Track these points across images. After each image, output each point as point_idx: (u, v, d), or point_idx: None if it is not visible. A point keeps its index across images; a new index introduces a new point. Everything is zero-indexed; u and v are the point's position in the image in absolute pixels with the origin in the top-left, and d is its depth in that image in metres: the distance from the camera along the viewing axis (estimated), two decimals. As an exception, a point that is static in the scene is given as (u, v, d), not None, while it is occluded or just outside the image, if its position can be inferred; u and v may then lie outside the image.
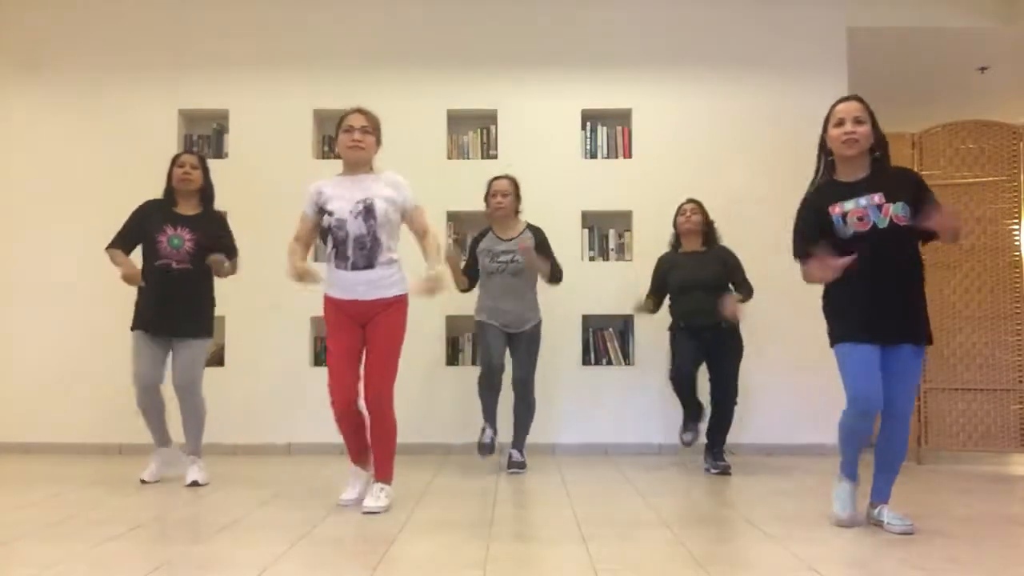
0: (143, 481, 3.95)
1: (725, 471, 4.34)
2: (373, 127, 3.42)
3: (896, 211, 2.87)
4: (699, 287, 4.40)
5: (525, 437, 4.49)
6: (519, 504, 3.58)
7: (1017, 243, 4.88)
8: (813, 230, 3.00)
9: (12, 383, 5.22)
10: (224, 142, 5.51)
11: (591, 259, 5.43)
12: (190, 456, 3.97)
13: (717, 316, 4.27)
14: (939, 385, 4.90)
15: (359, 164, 3.40)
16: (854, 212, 2.92)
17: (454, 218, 5.30)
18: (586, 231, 5.44)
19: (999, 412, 4.83)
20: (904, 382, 2.94)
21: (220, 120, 5.50)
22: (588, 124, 5.52)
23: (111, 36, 5.47)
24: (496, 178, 4.52)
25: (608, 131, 5.53)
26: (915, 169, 4.97)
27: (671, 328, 4.58)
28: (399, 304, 3.38)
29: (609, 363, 5.35)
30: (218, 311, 5.04)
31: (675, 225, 4.62)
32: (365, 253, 3.31)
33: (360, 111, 3.44)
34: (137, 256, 3.98)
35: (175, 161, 4.02)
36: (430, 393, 5.13)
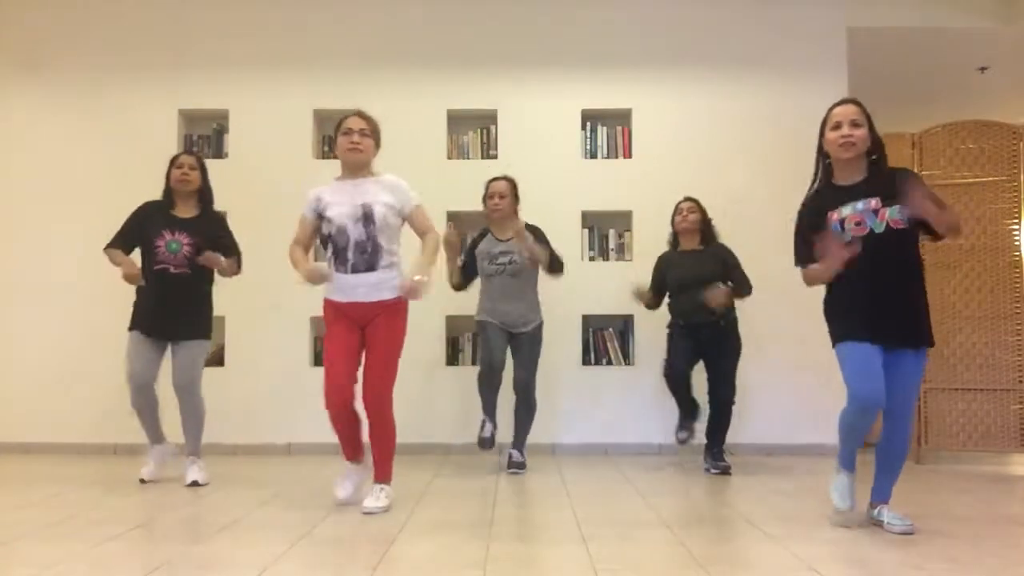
0: (142, 480, 3.95)
1: (725, 471, 4.34)
2: (372, 130, 3.41)
3: (892, 215, 2.87)
4: (697, 285, 4.40)
5: (525, 438, 4.48)
6: (519, 504, 3.58)
7: (1017, 243, 4.88)
8: (813, 236, 3.00)
9: (12, 383, 5.22)
10: (224, 142, 5.51)
11: (591, 259, 5.43)
12: (190, 456, 3.97)
13: (710, 311, 4.29)
14: (939, 385, 4.90)
15: (358, 167, 3.40)
16: (851, 218, 2.92)
17: (454, 218, 5.29)
18: (586, 231, 5.44)
19: (999, 412, 4.83)
20: (905, 384, 2.94)
21: (220, 120, 5.50)
22: (588, 124, 5.52)
23: (111, 36, 5.47)
24: (494, 179, 4.52)
25: (608, 131, 5.53)
26: (915, 169, 4.98)
27: (669, 326, 4.59)
28: (400, 306, 3.38)
29: (609, 363, 5.35)
30: (218, 311, 5.04)
31: (673, 224, 4.62)
32: (366, 258, 3.31)
33: (359, 114, 3.44)
34: (136, 257, 3.98)
35: (173, 162, 4.02)
36: (430, 393, 5.13)
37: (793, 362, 5.18)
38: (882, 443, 3.03)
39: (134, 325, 3.93)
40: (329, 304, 3.40)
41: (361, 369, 3.34)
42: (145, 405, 3.92)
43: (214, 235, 3.99)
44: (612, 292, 5.24)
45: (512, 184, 4.49)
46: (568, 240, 5.31)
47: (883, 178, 2.94)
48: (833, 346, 2.99)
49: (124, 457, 4.84)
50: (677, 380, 4.44)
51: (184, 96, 5.45)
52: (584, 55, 5.46)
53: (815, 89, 5.10)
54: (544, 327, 4.50)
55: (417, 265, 3.34)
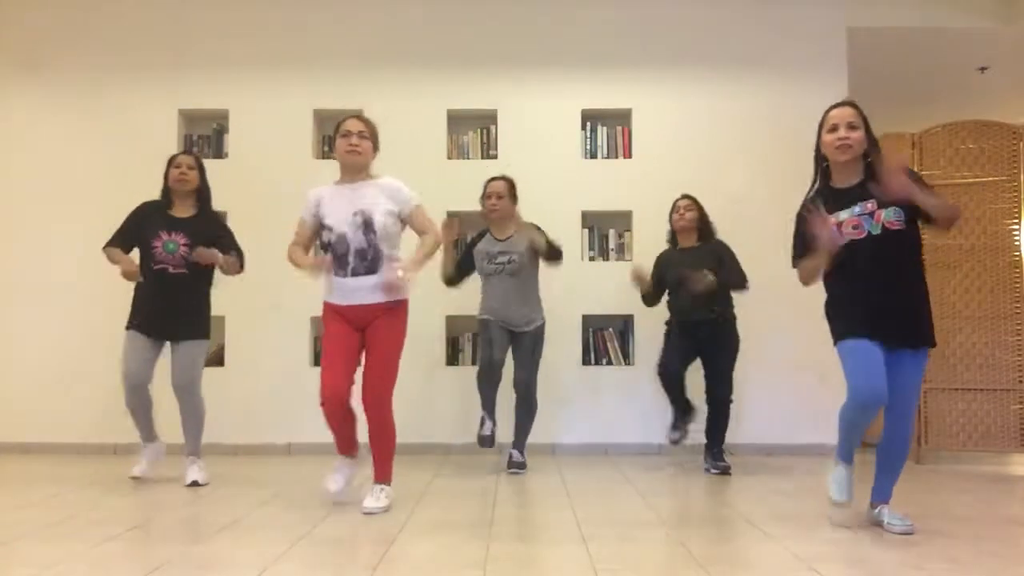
0: (133, 477, 3.94)
1: (725, 471, 4.34)
2: (370, 133, 3.41)
3: (888, 217, 2.88)
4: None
5: (526, 438, 4.48)
6: (519, 504, 3.58)
7: (1017, 243, 4.88)
8: (806, 235, 3.02)
9: (12, 383, 5.21)
10: (224, 142, 5.51)
11: (591, 259, 5.43)
12: (190, 456, 3.97)
13: (709, 308, 4.30)
14: (939, 385, 4.90)
15: (356, 170, 3.39)
16: (849, 221, 2.93)
17: (454, 218, 5.29)
18: (586, 231, 5.44)
19: (999, 412, 4.83)
20: (906, 383, 2.94)
21: (220, 120, 5.50)
22: (588, 124, 5.52)
23: (111, 36, 5.47)
24: (492, 179, 4.53)
25: (608, 131, 5.53)
26: (916, 169, 4.97)
27: (668, 323, 4.59)
28: (400, 309, 3.38)
29: (609, 363, 5.35)
30: (218, 311, 5.04)
31: (671, 222, 4.62)
32: (367, 263, 3.31)
33: (357, 117, 3.45)
34: (135, 257, 3.98)
35: (171, 162, 4.02)
36: (430, 393, 5.13)
37: (793, 362, 5.18)
38: (883, 443, 3.04)
39: (132, 324, 3.93)
40: (329, 307, 3.39)
41: (361, 370, 3.34)
42: (139, 405, 3.92)
43: (212, 234, 3.98)
44: (612, 292, 5.24)
45: (510, 184, 4.50)
46: (568, 240, 5.30)
47: (878, 180, 2.94)
48: (835, 344, 2.99)
49: (124, 457, 4.83)
50: (670, 379, 4.44)
51: (184, 96, 5.45)
52: (584, 55, 5.46)
53: (815, 89, 5.09)
54: (546, 327, 4.51)
55: (407, 261, 3.32)
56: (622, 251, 5.44)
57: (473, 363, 5.23)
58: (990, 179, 4.95)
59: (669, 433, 4.52)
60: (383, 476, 3.37)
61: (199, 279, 3.98)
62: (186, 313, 3.94)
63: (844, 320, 2.97)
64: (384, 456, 3.37)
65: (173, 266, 3.90)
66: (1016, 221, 4.90)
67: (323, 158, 5.46)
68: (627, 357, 5.35)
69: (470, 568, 2.41)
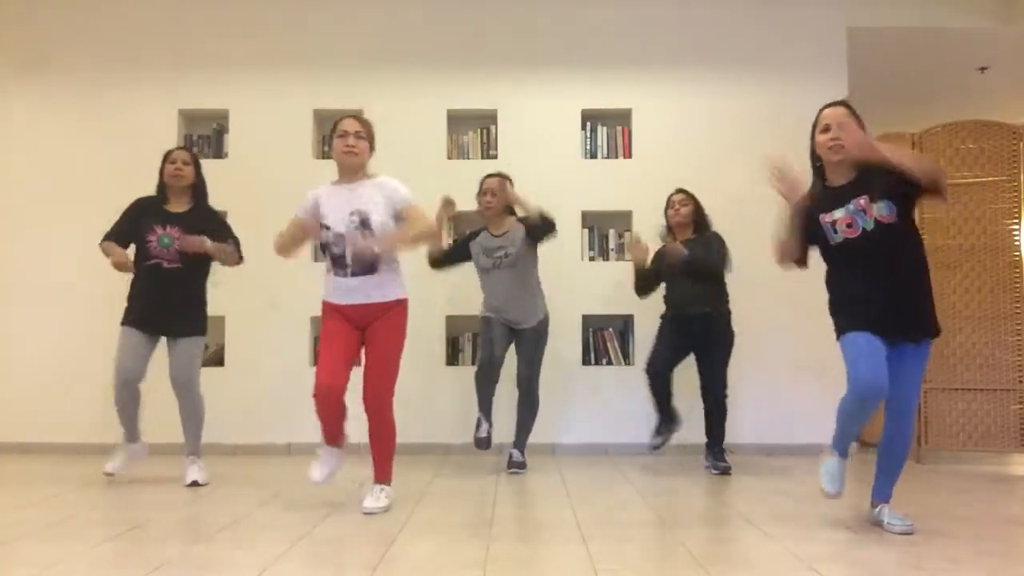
0: (106, 473, 3.91)
1: (725, 471, 4.34)
2: (367, 132, 3.41)
3: (880, 211, 2.89)
4: (683, 274, 4.44)
5: (527, 437, 4.49)
6: (519, 504, 3.58)
7: (1017, 243, 4.88)
8: (800, 230, 3.04)
9: (12, 383, 5.22)
10: (224, 142, 5.51)
11: (591, 259, 5.44)
12: (190, 456, 3.97)
13: (702, 305, 4.35)
14: (939, 385, 4.90)
15: (353, 170, 3.39)
16: (843, 220, 2.94)
17: (454, 218, 5.30)
18: (586, 231, 5.44)
19: (999, 412, 4.83)
20: (908, 378, 2.95)
21: (220, 120, 5.50)
22: (588, 124, 5.52)
23: (111, 36, 5.48)
24: (488, 176, 4.53)
25: (608, 131, 5.53)
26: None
27: (662, 316, 4.59)
28: (400, 308, 3.38)
29: (609, 363, 5.35)
30: (218, 311, 5.04)
31: (666, 217, 4.63)
32: (365, 264, 3.31)
33: (354, 117, 3.44)
34: (131, 254, 3.98)
35: (167, 157, 4.02)
36: (430, 393, 5.13)
37: (793, 362, 5.18)
38: (883, 442, 3.04)
39: (126, 320, 3.92)
40: (328, 306, 3.39)
41: (361, 371, 3.34)
42: (128, 401, 3.90)
43: (207, 228, 3.95)
44: (612, 292, 5.25)
45: (505, 180, 4.51)
46: (568, 240, 5.31)
47: (870, 176, 2.95)
48: (837, 339, 3.00)
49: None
50: (656, 379, 4.45)
51: (184, 96, 5.45)
52: (584, 55, 5.46)
53: (815, 89, 5.07)
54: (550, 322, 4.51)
55: (387, 234, 3.29)
56: (622, 251, 5.44)
57: (473, 363, 5.23)
58: (990, 179, 4.95)
59: (651, 438, 4.52)
60: (383, 476, 3.37)
61: (194, 274, 3.97)
62: (181, 308, 3.93)
63: (846, 315, 2.98)
64: (384, 456, 3.37)
65: (168, 261, 3.90)
66: (1016, 221, 4.90)
67: (323, 158, 5.46)
68: (627, 357, 5.35)
69: (470, 568, 2.41)
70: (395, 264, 3.39)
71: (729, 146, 5.37)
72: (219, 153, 5.50)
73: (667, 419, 4.50)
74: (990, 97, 6.80)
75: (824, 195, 3.02)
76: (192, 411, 3.96)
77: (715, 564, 2.47)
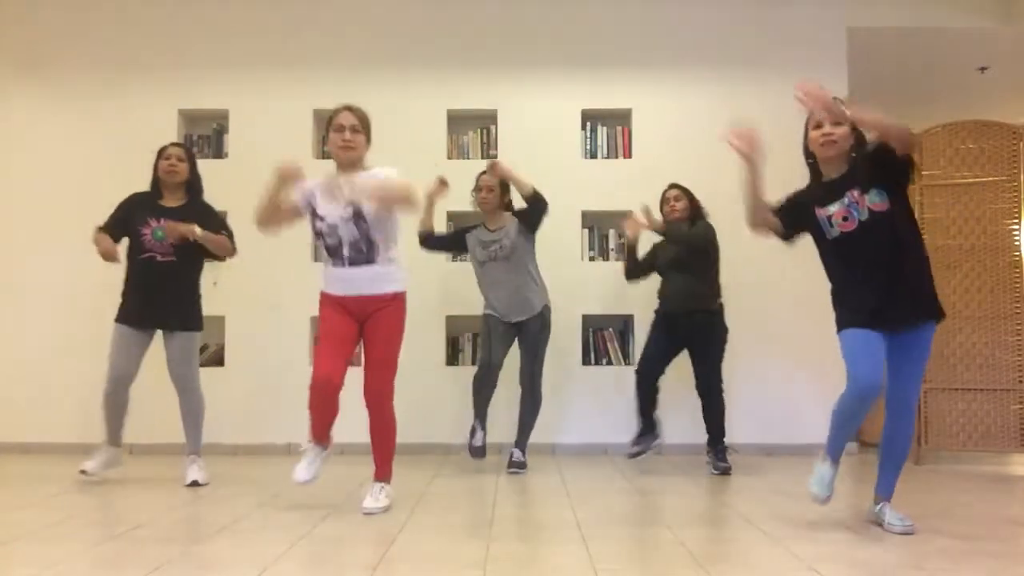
0: (83, 472, 3.89)
1: (725, 472, 4.34)
2: (363, 126, 3.38)
3: (872, 200, 2.90)
4: (675, 268, 4.46)
5: (528, 437, 4.49)
6: (519, 504, 3.58)
7: (1017, 243, 4.88)
8: (790, 211, 3.08)
9: (12, 383, 5.22)
10: (224, 142, 5.51)
11: (591, 259, 5.44)
12: (190, 456, 3.97)
13: (693, 301, 4.37)
14: (939, 385, 4.90)
15: (350, 164, 3.38)
16: (838, 213, 2.95)
17: (454, 218, 5.30)
18: (586, 231, 5.44)
19: (999, 412, 4.83)
20: (909, 375, 2.96)
21: (220, 120, 5.50)
22: (588, 124, 5.52)
23: (111, 36, 5.48)
24: (483, 172, 4.55)
25: (608, 131, 5.53)
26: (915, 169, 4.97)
27: (656, 311, 4.60)
28: (398, 301, 3.37)
29: (609, 363, 5.35)
30: (218, 311, 5.04)
31: (662, 214, 4.63)
32: (362, 255, 3.30)
33: (349, 109, 3.39)
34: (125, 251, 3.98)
35: (161, 153, 4.03)
36: (430, 393, 5.13)
37: (794, 362, 5.18)
38: (884, 439, 3.04)
39: (120, 317, 3.93)
40: (326, 297, 3.38)
41: (358, 368, 3.34)
42: (116, 401, 3.90)
43: (201, 222, 3.95)
44: (612, 292, 5.25)
45: (497, 161, 4.52)
46: (568, 240, 5.32)
47: (860, 166, 2.96)
48: (837, 332, 3.00)
49: (124, 457, 4.83)
50: (644, 381, 4.45)
51: (184, 96, 5.45)
52: (584, 55, 5.46)
53: (815, 89, 5.09)
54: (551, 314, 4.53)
55: (374, 183, 3.26)
56: (622, 251, 5.43)
57: (473, 363, 5.23)
58: (990, 179, 4.94)
59: (630, 446, 4.50)
60: (384, 473, 3.37)
61: (187, 267, 3.98)
62: (175, 301, 3.93)
63: (846, 309, 2.98)
64: (385, 452, 3.37)
65: (162, 254, 3.90)
66: (1016, 221, 4.90)
67: (323, 158, 5.45)
68: (627, 357, 5.35)
69: (470, 568, 2.41)
70: (393, 257, 3.38)
71: (729, 146, 5.35)
72: (219, 153, 5.50)
73: (648, 428, 4.49)
74: (990, 97, 6.80)
75: (819, 189, 3.04)
76: (192, 410, 3.97)
77: (715, 564, 2.47)
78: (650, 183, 5.27)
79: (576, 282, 5.25)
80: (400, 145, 4.85)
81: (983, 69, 6.28)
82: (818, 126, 2.99)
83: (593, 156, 5.51)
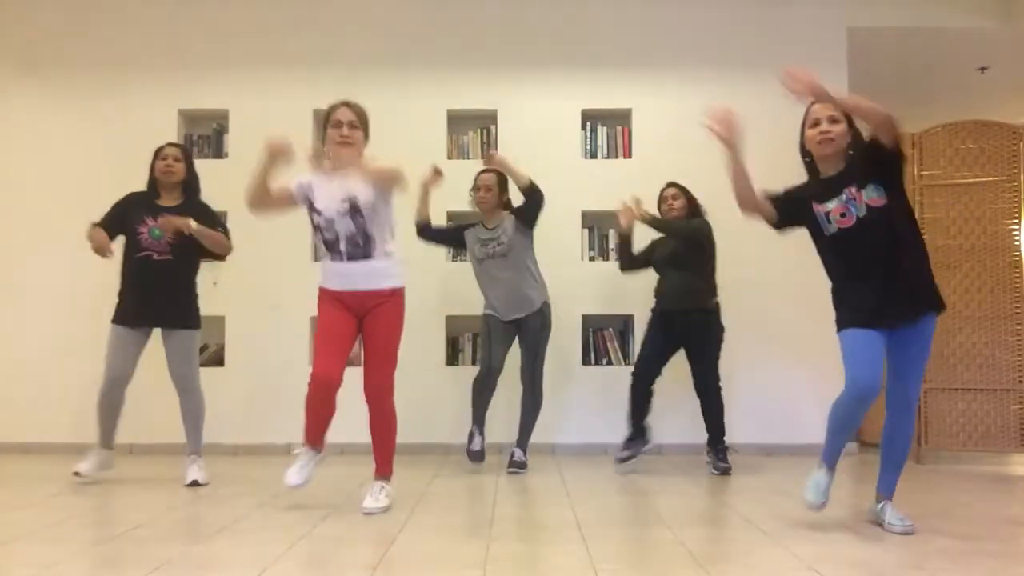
0: (76, 473, 3.88)
1: (725, 472, 4.34)
2: (361, 122, 3.38)
3: (869, 195, 2.90)
4: (671, 264, 4.46)
5: (529, 436, 4.49)
6: (519, 504, 3.58)
7: (1017, 243, 4.88)
8: (787, 204, 3.08)
9: (12, 383, 5.22)
10: (224, 142, 5.51)
11: (591, 259, 5.44)
12: (190, 456, 3.97)
13: (688, 300, 4.37)
14: (939, 385, 4.90)
15: (348, 160, 3.36)
16: (836, 209, 2.96)
17: (453, 217, 5.30)
18: (586, 231, 5.44)
19: (999, 412, 4.83)
20: (909, 372, 2.96)
21: (220, 120, 5.50)
22: (588, 124, 5.52)
23: (111, 36, 5.48)
24: (482, 172, 4.55)
25: (608, 131, 5.53)
26: (915, 169, 4.98)
27: (653, 309, 4.60)
28: (396, 297, 3.37)
29: (609, 363, 5.35)
30: (218, 311, 5.04)
31: (660, 213, 4.63)
32: (359, 249, 3.30)
33: (347, 104, 3.39)
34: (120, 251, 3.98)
35: (158, 153, 4.04)
36: (430, 393, 5.12)
37: (794, 362, 5.18)
38: (885, 438, 3.05)
39: (116, 318, 3.93)
40: (325, 292, 3.38)
41: (360, 369, 3.34)
42: (113, 401, 3.90)
43: (198, 221, 3.93)
44: (612, 292, 5.25)
45: (499, 176, 4.52)
46: (568, 240, 5.32)
47: (857, 163, 2.96)
48: (837, 332, 3.01)
49: (123, 457, 4.83)
50: (640, 382, 4.45)
51: (184, 96, 5.45)
52: (584, 55, 5.46)
53: (815, 89, 5.09)
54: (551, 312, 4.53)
55: (364, 165, 3.27)
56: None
57: (473, 363, 5.24)
58: (990, 179, 4.94)
59: (619, 450, 4.49)
60: (384, 470, 3.37)
61: (184, 266, 3.98)
62: (172, 299, 3.93)
63: (846, 308, 2.99)
64: (385, 449, 3.37)
65: (158, 253, 3.91)
66: (1016, 221, 4.90)
67: (317, 157, 5.46)
68: (627, 357, 5.35)
69: (470, 568, 2.41)
70: (390, 251, 3.38)
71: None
72: (219, 153, 5.50)
73: (638, 433, 4.48)
74: (990, 97, 6.80)
75: (817, 187, 3.04)
76: (192, 409, 3.97)
77: (715, 564, 2.47)
78: (650, 183, 5.27)
79: (576, 282, 5.25)
80: (400, 145, 4.84)
81: (983, 69, 6.28)
82: (815, 124, 3.00)
83: (593, 156, 5.51)
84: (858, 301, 2.93)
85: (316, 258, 5.09)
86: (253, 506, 3.38)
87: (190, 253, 3.97)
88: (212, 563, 2.50)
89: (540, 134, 5.40)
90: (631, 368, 4.84)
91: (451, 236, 4.69)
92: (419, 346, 4.97)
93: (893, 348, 2.93)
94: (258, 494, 3.65)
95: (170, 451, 4.58)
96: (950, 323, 4.86)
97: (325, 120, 3.41)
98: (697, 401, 4.47)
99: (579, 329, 5.31)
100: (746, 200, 3.10)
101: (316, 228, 3.37)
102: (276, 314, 5.23)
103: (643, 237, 4.74)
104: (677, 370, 4.55)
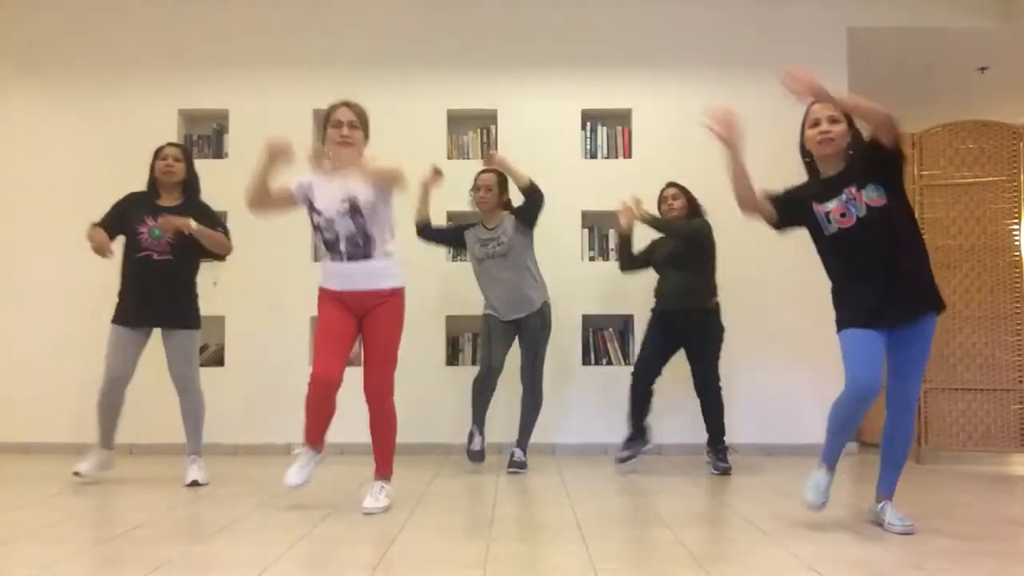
0: (76, 473, 3.88)
1: (725, 472, 4.34)
2: (361, 122, 3.38)
3: (869, 195, 2.90)
4: (671, 264, 4.47)
5: (529, 436, 4.50)
6: (519, 504, 3.58)
7: (1017, 243, 4.88)
8: (788, 204, 3.08)
9: (12, 383, 5.22)
10: (224, 142, 5.51)
11: (591, 259, 5.44)
12: (190, 456, 3.97)
13: (688, 300, 4.37)
14: (939, 385, 4.90)
15: (348, 160, 3.36)
16: (836, 210, 2.96)
17: (453, 218, 5.30)
18: (586, 231, 5.44)
19: (999, 412, 4.83)
20: (909, 372, 2.96)
21: (220, 120, 5.50)
22: (588, 124, 5.52)
23: (111, 36, 5.48)
24: (482, 172, 4.55)
25: (608, 131, 5.53)
26: (915, 169, 4.99)
27: (653, 309, 4.59)
28: (396, 297, 3.37)
29: (609, 363, 5.35)
30: (218, 311, 5.04)
31: (660, 213, 4.63)
32: (359, 249, 3.30)
33: (347, 104, 3.39)
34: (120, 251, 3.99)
35: (158, 153, 4.04)
36: (430, 393, 5.12)
37: (794, 361, 5.18)
38: (885, 437, 3.05)
39: (116, 318, 3.93)
40: (325, 292, 3.38)
41: (360, 370, 3.34)
42: (113, 401, 3.90)
43: (198, 222, 3.94)
44: (612, 292, 5.25)
45: (499, 176, 4.52)
46: (568, 240, 5.32)
47: (857, 163, 2.96)
48: (837, 332, 3.01)
49: (123, 457, 4.83)
50: (640, 383, 4.45)
51: (184, 96, 5.45)
52: (584, 55, 5.46)
53: (815, 89, 5.09)
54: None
55: (364, 165, 3.28)
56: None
57: (473, 363, 5.24)
58: (990, 179, 4.94)
59: (619, 451, 4.49)
60: (384, 469, 3.37)
61: (184, 266, 3.98)
62: (172, 299, 3.93)
63: (845, 309, 2.99)
64: (385, 449, 3.37)
65: (158, 253, 3.91)
66: (1016, 221, 4.90)
67: (317, 157, 5.46)
68: (627, 357, 5.35)
69: (470, 568, 2.41)
70: (390, 251, 3.37)
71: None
72: (219, 153, 5.50)
73: (637, 434, 4.48)
74: (990, 97, 6.80)
75: (817, 187, 3.04)
76: (192, 409, 3.97)
77: (715, 564, 2.47)
78: (650, 183, 5.27)
79: (576, 282, 5.25)
80: (400, 145, 4.84)
81: (983, 69, 6.28)
82: (815, 124, 3.00)
83: (593, 156, 5.51)
84: (858, 301, 2.93)
85: (316, 258, 5.09)
86: (253, 506, 3.38)
87: (190, 253, 3.97)
88: (212, 563, 2.50)
89: (540, 134, 5.40)
90: (631, 368, 4.85)
91: (451, 236, 4.69)
92: (419, 346, 4.98)
93: (893, 348, 2.94)
94: (258, 494, 3.65)
95: (170, 451, 4.58)
96: (950, 323, 4.86)
97: (325, 120, 3.41)
98: (697, 401, 4.47)
99: (579, 329, 5.31)
100: (746, 200, 3.10)
101: (316, 228, 3.38)
102: (276, 314, 5.23)
103: (643, 237, 4.74)
104: (677, 370, 4.55)
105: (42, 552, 2.60)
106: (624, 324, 5.39)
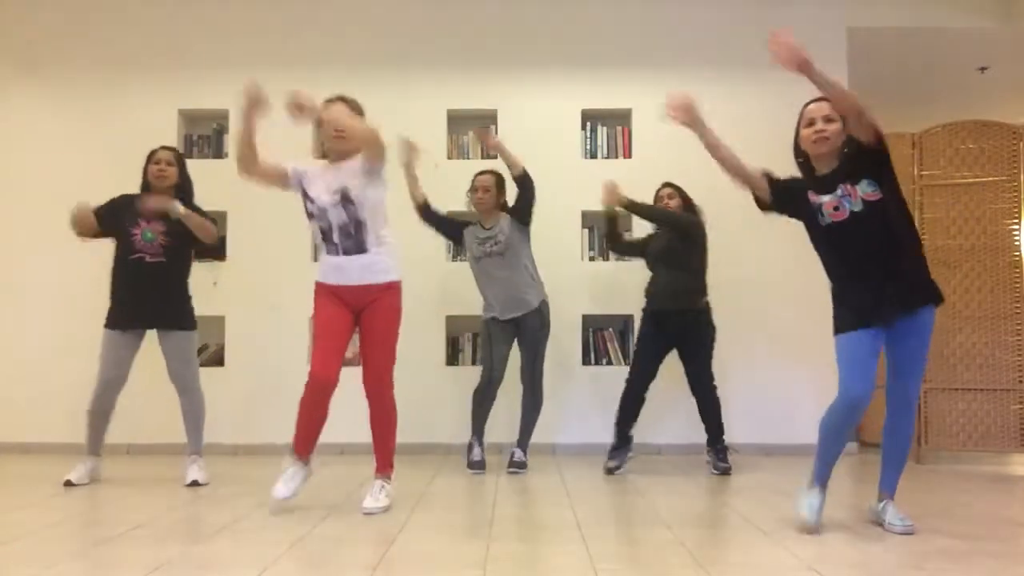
0: (68, 482, 3.88)
1: (725, 472, 4.34)
2: (355, 113, 3.41)
3: (864, 189, 2.90)
4: (663, 261, 4.46)
5: (530, 436, 4.50)
6: (519, 504, 3.58)
7: (1017, 243, 4.88)
8: (784, 189, 3.09)
9: (12, 383, 5.22)
10: (224, 142, 5.51)
11: (591, 259, 5.44)
12: (191, 455, 3.98)
13: (678, 300, 4.37)
14: (939, 385, 4.90)
15: (344, 154, 3.38)
16: (829, 204, 2.96)
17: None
18: (586, 231, 5.44)
19: (999, 412, 4.83)
20: (909, 370, 2.95)
21: (220, 120, 5.50)
22: (588, 124, 5.52)
23: (111, 36, 5.48)
24: (480, 173, 4.55)
25: (608, 131, 5.53)
26: (915, 169, 4.99)
27: (643, 309, 4.58)
28: (393, 291, 3.38)
29: (609, 363, 5.35)
30: (218, 311, 5.04)
31: None
32: (353, 241, 3.31)
33: (343, 99, 3.42)
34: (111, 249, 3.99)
35: (151, 157, 4.03)
36: (430, 393, 5.12)
37: (793, 362, 5.18)
38: (886, 436, 3.05)
39: (108, 323, 3.93)
40: (321, 287, 3.39)
41: (358, 370, 3.34)
42: (104, 406, 3.91)
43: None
44: (612, 292, 5.25)
45: (497, 177, 4.53)
46: (568, 240, 5.32)
47: (849, 160, 2.96)
48: (833, 335, 3.00)
49: (123, 457, 4.84)
50: (637, 381, 4.43)
51: (184, 96, 5.45)
52: (584, 55, 5.46)
53: (815, 89, 5.06)
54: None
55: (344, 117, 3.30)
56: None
57: (473, 363, 5.24)
58: (990, 179, 4.95)
59: (607, 461, 4.46)
60: (384, 468, 3.37)
61: (177, 267, 3.99)
62: (165, 300, 3.93)
63: (841, 312, 2.99)
64: (386, 443, 3.37)
65: (151, 255, 3.91)
66: (1016, 221, 4.90)
67: (323, 157, 5.45)
68: (627, 357, 5.35)
69: (470, 568, 2.41)
70: (385, 241, 3.38)
71: (729, 146, 5.35)
72: (219, 153, 5.50)
73: (622, 443, 4.46)
74: (990, 97, 6.80)
75: (812, 183, 3.04)
76: (193, 409, 3.97)
77: (715, 564, 2.47)
78: (650, 183, 5.26)
79: (576, 282, 5.25)
80: (400, 145, 4.84)
81: (983, 69, 6.28)
82: (810, 123, 3.01)
83: (593, 156, 5.51)
84: (857, 300, 2.93)
85: (316, 258, 5.08)
86: (253, 506, 3.38)
87: (182, 254, 3.98)
88: (212, 563, 2.50)
89: (540, 134, 5.40)
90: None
91: (452, 227, 4.65)
92: (419, 346, 4.98)
93: (892, 344, 2.93)
94: (258, 494, 3.65)
95: (170, 451, 4.58)
96: (950, 323, 4.87)
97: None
98: (694, 401, 4.47)
99: (579, 329, 5.31)
100: (733, 168, 3.12)
101: (310, 216, 3.39)
102: (276, 314, 5.23)
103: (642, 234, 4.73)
104: (673, 371, 4.55)
105: (42, 552, 2.60)
106: (624, 324, 5.39)
